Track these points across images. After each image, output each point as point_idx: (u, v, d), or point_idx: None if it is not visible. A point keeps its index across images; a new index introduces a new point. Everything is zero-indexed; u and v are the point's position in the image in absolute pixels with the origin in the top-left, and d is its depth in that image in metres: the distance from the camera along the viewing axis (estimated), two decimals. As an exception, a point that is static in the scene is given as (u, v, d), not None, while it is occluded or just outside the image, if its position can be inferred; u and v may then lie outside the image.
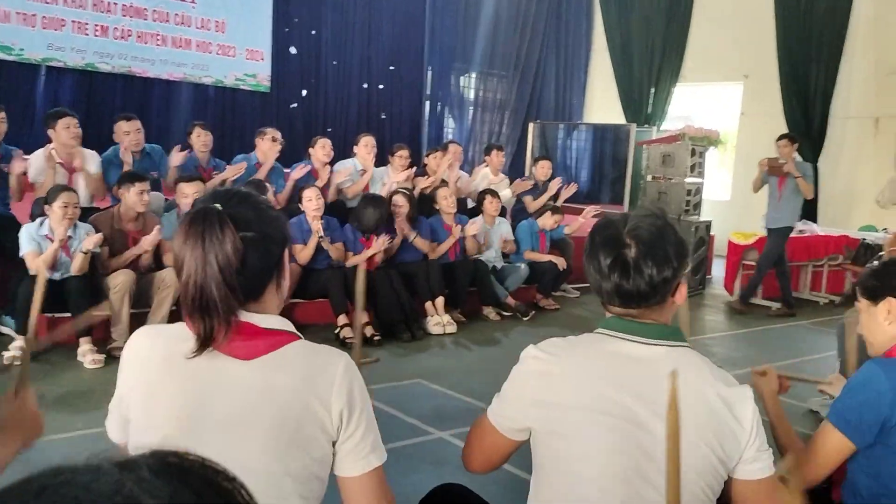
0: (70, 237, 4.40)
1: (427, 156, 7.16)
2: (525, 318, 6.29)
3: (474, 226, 6.29)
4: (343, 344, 5.12)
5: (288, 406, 1.30)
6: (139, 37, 9.07)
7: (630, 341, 1.48)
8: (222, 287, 1.26)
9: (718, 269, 8.71)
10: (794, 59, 10.14)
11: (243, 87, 9.94)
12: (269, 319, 1.34)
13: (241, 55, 9.86)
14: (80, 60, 8.71)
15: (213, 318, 1.27)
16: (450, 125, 12.21)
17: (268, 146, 5.93)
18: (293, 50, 10.28)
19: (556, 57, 13.10)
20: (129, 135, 5.30)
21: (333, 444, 1.35)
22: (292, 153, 7.46)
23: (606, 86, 13.08)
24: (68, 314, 4.37)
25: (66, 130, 4.92)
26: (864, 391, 1.84)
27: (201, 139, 5.75)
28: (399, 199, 5.89)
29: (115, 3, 8.85)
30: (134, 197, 4.63)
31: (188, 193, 4.85)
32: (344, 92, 10.82)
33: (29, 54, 8.38)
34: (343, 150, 7.18)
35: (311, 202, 5.41)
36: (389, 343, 5.33)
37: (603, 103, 13.26)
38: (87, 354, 4.33)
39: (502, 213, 6.99)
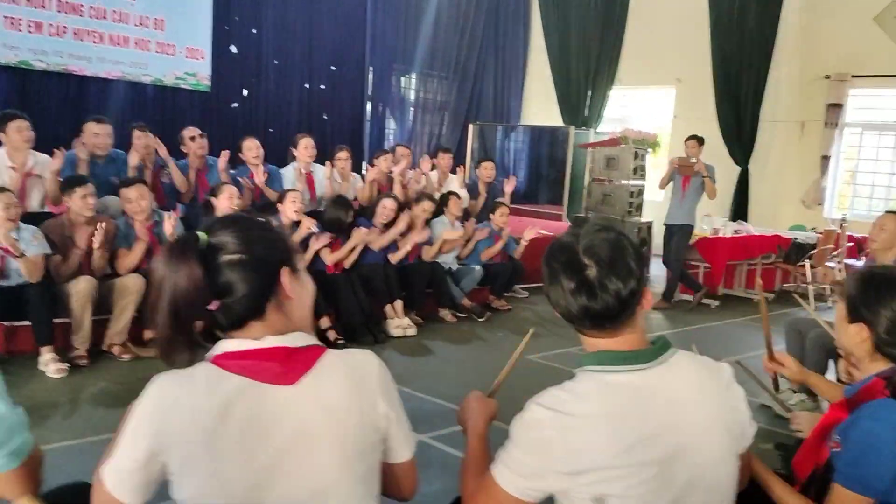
0: (16, 240, 4.23)
1: (374, 158, 7.19)
2: (481, 319, 6.41)
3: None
4: (333, 345, 5.12)
5: (345, 418, 1.34)
6: (75, 34, 8.78)
7: (628, 371, 1.44)
8: (176, 317, 1.30)
9: (656, 269, 9.01)
10: (726, 65, 10.57)
11: (183, 87, 9.74)
12: (297, 338, 1.36)
13: (181, 53, 9.66)
14: (13, 57, 8.38)
15: (178, 345, 1.32)
16: (391, 126, 12.24)
17: (193, 146, 5.86)
18: (234, 49, 10.13)
19: (494, 59, 13.27)
20: (98, 137, 5.20)
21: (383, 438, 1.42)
22: (233, 154, 7.38)
23: (544, 88, 13.33)
24: (27, 322, 4.26)
25: (17, 133, 4.76)
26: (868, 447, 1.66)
27: (141, 141, 5.63)
28: (390, 203, 5.98)
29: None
30: (78, 202, 4.52)
31: (132, 198, 4.74)
32: (285, 92, 10.71)
33: (-54, 51, 8.03)
34: (284, 151, 7.11)
35: (295, 203, 5.41)
36: (351, 346, 5.35)
37: (540, 105, 13.52)
38: (49, 364, 4.21)
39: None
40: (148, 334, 4.79)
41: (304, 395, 1.31)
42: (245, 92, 10.28)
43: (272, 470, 1.28)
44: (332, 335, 5.26)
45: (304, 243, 5.43)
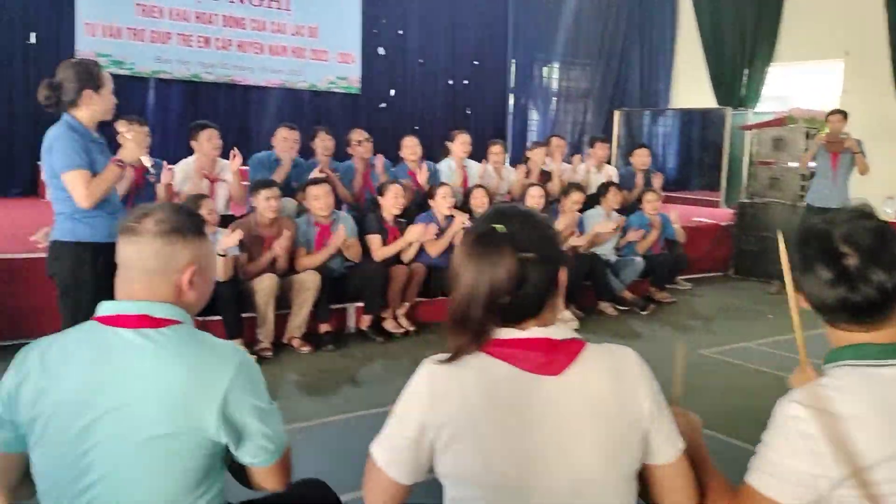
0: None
1: (528, 150, 7.14)
2: (644, 313, 6.23)
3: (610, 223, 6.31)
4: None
5: (608, 412, 1.32)
6: (239, 46, 9.31)
7: (890, 366, 1.34)
8: (482, 309, 1.31)
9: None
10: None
11: (335, 90, 10.11)
12: (558, 331, 1.37)
13: (333, 59, 10.03)
14: (185, 72, 8.99)
15: (467, 334, 1.32)
16: (534, 117, 12.15)
17: (359, 150, 6.00)
18: (381, 51, 10.40)
19: (639, 42, 12.87)
20: (286, 141, 5.48)
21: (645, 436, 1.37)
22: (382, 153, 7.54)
23: (694, 70, 12.77)
24: (218, 318, 4.54)
25: (208, 142, 5.09)
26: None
27: (323, 143, 5.87)
28: (537, 192, 6.01)
29: (216, 15, 9.11)
30: (262, 203, 4.75)
31: (320, 195, 4.95)
32: (430, 89, 10.89)
33: (139, 68, 8.70)
34: (430, 148, 7.19)
35: (446, 199, 5.47)
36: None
37: (690, 87, 12.97)
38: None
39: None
40: (323, 328, 5.00)
41: (568, 386, 1.32)
42: (392, 92, 10.54)
43: (536, 458, 1.29)
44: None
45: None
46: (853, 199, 7.13)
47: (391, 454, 1.36)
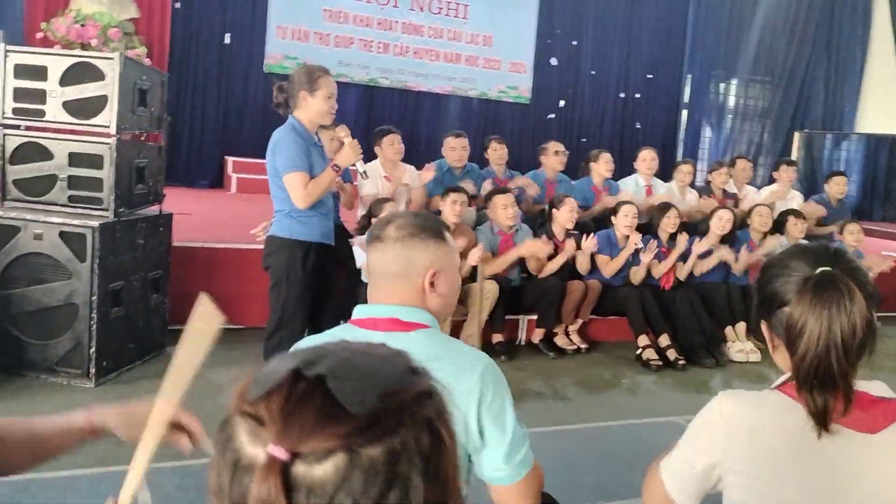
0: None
1: (710, 172, 6.85)
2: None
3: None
4: (646, 365, 5.01)
5: None
6: (416, 53, 9.55)
7: None
8: (842, 358, 1.20)
9: None
10: None
11: (505, 99, 10.15)
12: (876, 386, 1.27)
13: (506, 68, 10.08)
14: (364, 76, 9.33)
15: (830, 391, 1.21)
16: (706, 134, 11.70)
17: (553, 161, 5.93)
18: (554, 61, 10.35)
19: (826, 61, 12.11)
20: (454, 150, 5.54)
21: None
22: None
23: (885, 92, 11.89)
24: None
25: (390, 147, 5.23)
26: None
27: (497, 153, 5.89)
28: (726, 215, 5.78)
29: (397, 21, 9.39)
30: (447, 206, 4.81)
31: (508, 204, 4.96)
32: (600, 101, 10.72)
33: (322, 71, 9.09)
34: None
35: (627, 217, 5.34)
36: (690, 368, 5.12)
37: (880, 111, 12.08)
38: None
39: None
40: (496, 338, 5.00)
41: (884, 448, 1.21)
42: (562, 103, 10.46)
43: None
44: (671, 354, 5.08)
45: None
46: None
47: (679, 483, 1.34)
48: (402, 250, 1.55)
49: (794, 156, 11.36)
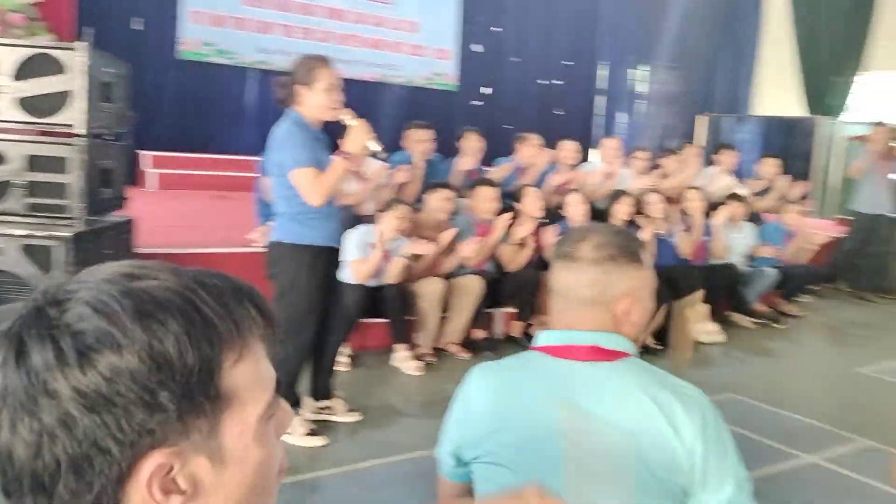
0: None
1: (660, 159, 6.98)
2: (781, 326, 6.06)
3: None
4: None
5: None
6: (339, 39, 9.23)
7: None
8: None
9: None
10: None
11: (432, 87, 10.00)
12: None
13: (431, 55, 9.92)
14: (285, 63, 8.88)
15: None
16: (620, 120, 11.98)
17: (533, 152, 5.88)
18: (478, 48, 10.28)
19: (725, 46, 12.64)
20: (420, 143, 5.34)
21: None
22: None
23: (777, 76, 12.53)
24: (381, 321, 4.45)
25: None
26: None
27: (474, 144, 5.78)
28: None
29: (319, 6, 9.03)
30: (436, 203, 4.65)
31: (492, 197, 4.85)
32: (523, 88, 10.75)
33: (242, 58, 8.65)
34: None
35: (579, 207, 5.33)
36: (658, 351, 5.18)
37: (772, 94, 12.74)
38: (406, 361, 4.38)
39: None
40: (479, 334, 4.89)
41: None
42: (486, 90, 10.41)
43: None
44: (650, 341, 5.12)
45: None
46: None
47: None
48: (601, 275, 1.40)
49: (697, 138, 11.79)
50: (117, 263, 0.63)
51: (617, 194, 5.62)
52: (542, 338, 1.45)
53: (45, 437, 0.54)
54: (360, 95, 9.49)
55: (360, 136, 3.18)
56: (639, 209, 5.78)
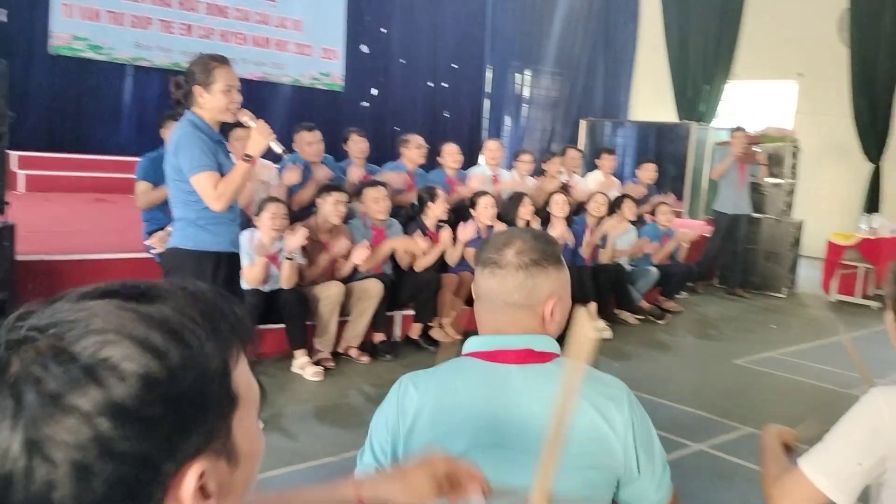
0: (279, 250, 4.36)
1: (544, 161, 7.16)
2: (661, 322, 6.38)
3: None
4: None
5: None
6: (222, 36, 8.96)
7: None
8: None
9: (807, 269, 8.79)
10: (859, 58, 10.26)
11: (318, 86, 9.87)
12: None
13: (317, 54, 9.79)
14: (165, 60, 8.58)
15: None
16: (507, 123, 12.24)
17: (415, 154, 5.89)
18: (365, 49, 10.23)
19: (604, 54, 13.16)
20: (311, 145, 5.25)
21: None
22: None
23: (652, 83, 13.18)
24: (279, 326, 4.36)
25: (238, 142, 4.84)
26: None
27: (358, 146, 5.71)
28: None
29: (200, 2, 8.74)
30: (330, 207, 4.61)
31: (379, 198, 4.84)
32: (411, 91, 10.79)
33: (118, 54, 8.25)
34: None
35: (488, 209, 5.40)
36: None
37: (648, 100, 13.38)
38: (305, 367, 4.31)
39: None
40: (378, 337, 4.88)
41: None
42: (374, 91, 10.39)
43: None
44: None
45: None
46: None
47: (838, 481, 1.35)
48: (526, 279, 1.43)
49: (580, 142, 12.24)
50: (104, 286, 0.61)
51: (518, 196, 5.74)
52: (473, 343, 1.47)
53: (95, 464, 0.53)
54: (245, 94, 9.20)
55: (261, 137, 3.10)
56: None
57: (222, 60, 3.13)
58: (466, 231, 5.20)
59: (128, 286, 0.61)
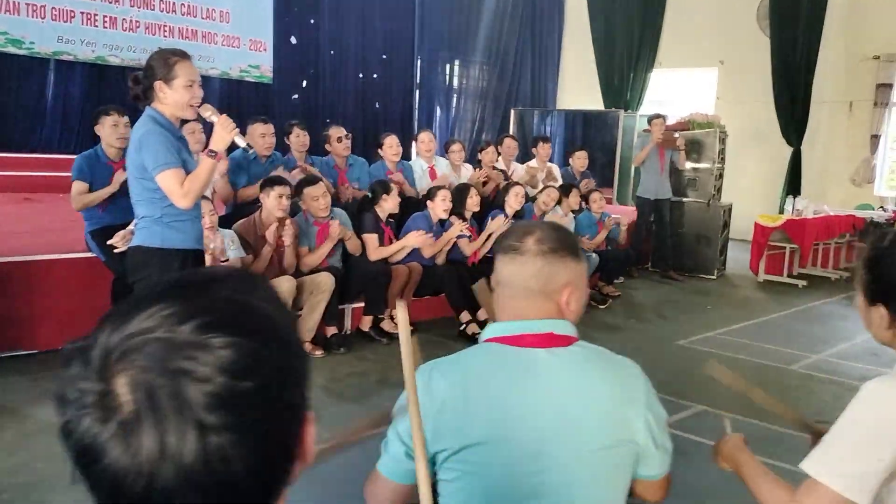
0: (212, 246, 4.25)
1: (480, 151, 7.22)
2: (602, 306, 6.54)
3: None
4: (472, 339, 5.20)
5: None
6: (147, 28, 8.69)
7: None
8: None
9: (735, 251, 9.10)
10: (776, 45, 10.69)
11: (247, 79, 9.68)
12: None
13: (245, 45, 9.60)
14: (90, 54, 8.27)
15: None
16: (437, 114, 12.27)
17: (338, 147, 5.84)
18: (293, 40, 10.09)
19: (531, 44, 13.33)
20: (264, 138, 5.15)
21: None
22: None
23: (578, 72, 13.43)
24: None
25: (190, 135, 4.72)
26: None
27: (300, 139, 5.65)
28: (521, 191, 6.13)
29: (124, -7, 8.45)
30: (273, 201, 4.53)
31: (318, 195, 4.78)
32: (341, 82, 10.71)
33: (39, 48, 7.90)
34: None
35: (445, 202, 5.43)
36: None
37: (574, 89, 13.63)
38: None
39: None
40: (330, 330, 4.84)
41: None
42: (304, 83, 10.25)
43: None
44: (471, 329, 5.29)
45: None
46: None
47: (861, 483, 1.34)
48: (544, 266, 1.47)
49: (511, 131, 12.38)
50: (166, 282, 0.65)
51: (464, 188, 5.78)
52: (495, 329, 1.48)
53: (259, 424, 0.59)
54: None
55: (224, 132, 3.04)
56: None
57: (183, 55, 3.05)
58: (413, 238, 5.21)
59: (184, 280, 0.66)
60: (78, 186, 4.45)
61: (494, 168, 7.09)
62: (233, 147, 3.17)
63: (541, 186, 6.79)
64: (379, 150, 5.99)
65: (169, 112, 3.02)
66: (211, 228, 4.25)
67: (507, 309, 1.50)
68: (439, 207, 5.42)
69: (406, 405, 1.32)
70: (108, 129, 4.52)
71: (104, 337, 0.57)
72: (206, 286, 0.63)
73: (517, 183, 6.40)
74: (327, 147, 5.81)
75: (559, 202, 6.65)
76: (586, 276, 1.58)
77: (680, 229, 8.33)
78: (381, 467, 1.46)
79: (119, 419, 0.55)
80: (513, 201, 6.02)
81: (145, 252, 3.01)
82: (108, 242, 3.93)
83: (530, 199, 6.48)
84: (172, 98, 2.99)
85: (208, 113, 3.10)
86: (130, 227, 3.22)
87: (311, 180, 4.99)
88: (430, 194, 5.50)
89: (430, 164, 6.44)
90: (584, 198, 7.23)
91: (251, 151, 3.42)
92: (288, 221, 4.59)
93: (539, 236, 1.49)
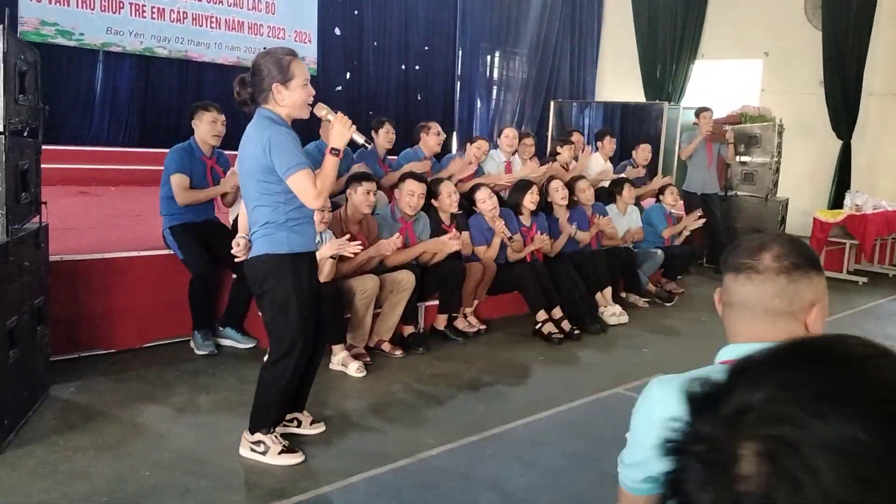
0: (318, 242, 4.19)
1: (558, 147, 7.08)
2: (669, 304, 6.41)
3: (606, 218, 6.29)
4: (547, 339, 5.10)
5: None
6: (194, 19, 8.61)
7: None
8: None
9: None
10: (828, 37, 10.48)
11: (293, 71, 9.59)
12: None
13: (291, 37, 9.51)
14: (138, 45, 8.20)
15: None
16: (477, 105, 12.13)
17: (433, 140, 5.78)
18: (337, 31, 9.98)
19: (570, 35, 13.15)
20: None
21: None
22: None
23: (618, 63, 13.24)
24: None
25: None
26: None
27: (389, 135, 5.60)
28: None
29: (172, -16, 8.37)
30: (360, 197, 4.45)
31: (415, 191, 4.70)
32: (384, 73, 10.60)
33: (88, 39, 7.84)
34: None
35: (486, 203, 5.30)
36: (580, 336, 5.28)
37: (615, 81, 13.44)
38: (349, 363, 4.16)
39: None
40: (407, 330, 4.75)
41: None
42: (348, 75, 10.15)
43: None
44: (567, 325, 5.19)
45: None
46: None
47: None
48: (788, 284, 1.35)
49: (550, 123, 12.23)
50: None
51: (526, 184, 5.65)
52: (730, 351, 1.39)
53: None
54: (221, 80, 8.95)
55: (344, 129, 2.95)
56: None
57: (294, 54, 2.97)
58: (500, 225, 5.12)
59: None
60: (180, 180, 4.37)
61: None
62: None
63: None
64: (424, 136, 5.87)
65: (285, 113, 2.93)
66: (325, 225, 4.16)
67: (743, 333, 1.38)
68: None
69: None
70: (207, 125, 4.45)
71: (742, 391, 0.52)
72: (862, 363, 0.52)
73: (582, 176, 6.28)
74: (424, 137, 5.80)
75: (613, 200, 6.51)
76: (827, 291, 1.47)
77: (736, 224, 8.18)
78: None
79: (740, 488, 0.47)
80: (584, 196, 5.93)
81: (275, 259, 2.93)
82: (233, 251, 3.78)
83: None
84: (291, 99, 2.91)
85: (323, 112, 3.02)
86: (243, 234, 3.13)
87: (414, 176, 4.89)
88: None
89: (507, 158, 6.37)
90: (661, 191, 7.04)
91: (370, 146, 3.34)
92: (396, 236, 4.47)
93: (777, 252, 1.36)
